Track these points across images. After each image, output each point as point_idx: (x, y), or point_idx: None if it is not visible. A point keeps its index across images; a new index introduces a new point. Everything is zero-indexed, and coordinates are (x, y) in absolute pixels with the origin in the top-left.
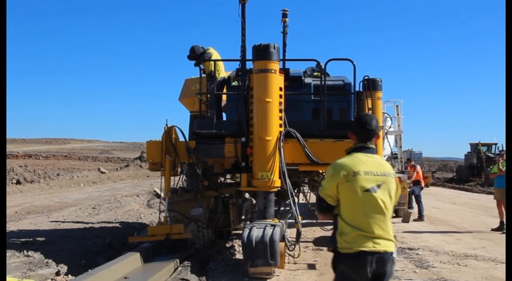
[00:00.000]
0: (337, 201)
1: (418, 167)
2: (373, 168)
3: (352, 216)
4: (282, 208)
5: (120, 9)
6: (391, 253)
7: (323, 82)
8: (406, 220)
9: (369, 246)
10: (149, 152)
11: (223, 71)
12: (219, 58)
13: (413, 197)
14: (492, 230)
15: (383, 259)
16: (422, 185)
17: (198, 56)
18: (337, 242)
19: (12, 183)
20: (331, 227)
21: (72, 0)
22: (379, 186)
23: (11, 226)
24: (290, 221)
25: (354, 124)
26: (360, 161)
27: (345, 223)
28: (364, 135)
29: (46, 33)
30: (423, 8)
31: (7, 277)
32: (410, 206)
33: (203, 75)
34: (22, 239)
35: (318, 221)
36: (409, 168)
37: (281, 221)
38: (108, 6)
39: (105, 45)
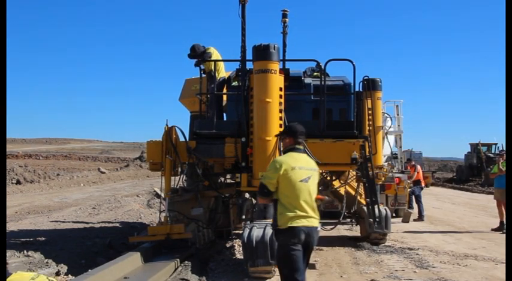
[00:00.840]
0: (275, 188)
1: (419, 167)
2: (304, 164)
3: (290, 200)
4: None
5: (120, 9)
6: (316, 227)
7: (323, 82)
8: (406, 220)
9: (304, 222)
10: (149, 152)
11: (223, 71)
12: (220, 57)
13: (413, 197)
14: (492, 230)
15: (312, 231)
16: (423, 185)
17: (199, 55)
18: (277, 220)
19: (12, 183)
20: (331, 226)
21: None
22: (309, 178)
23: (11, 226)
24: None
25: (287, 131)
26: (295, 159)
27: (284, 206)
28: (296, 140)
29: (46, 33)
30: (423, 7)
31: (20, 271)
32: (410, 206)
33: (203, 75)
34: (22, 239)
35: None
36: (409, 168)
37: None
38: (108, 6)
39: (106, 45)
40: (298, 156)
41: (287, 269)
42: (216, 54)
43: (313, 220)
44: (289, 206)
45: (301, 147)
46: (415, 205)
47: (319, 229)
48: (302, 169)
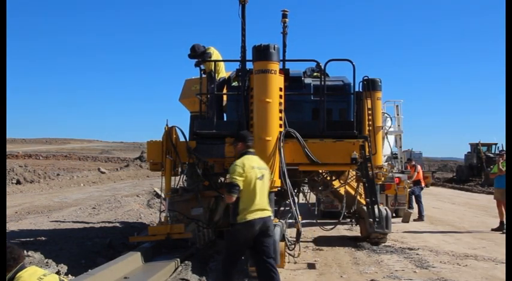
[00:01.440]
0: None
1: (419, 167)
2: (257, 164)
3: (250, 196)
4: (282, 208)
5: (120, 9)
6: (270, 216)
7: (323, 82)
8: (406, 220)
9: (259, 214)
10: (150, 152)
11: (223, 71)
12: (220, 57)
13: (413, 197)
14: (492, 230)
15: (266, 221)
16: (423, 185)
17: (199, 55)
18: (238, 215)
19: (12, 183)
20: (331, 226)
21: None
22: (263, 176)
23: (11, 226)
24: (290, 221)
25: (239, 138)
26: (251, 160)
27: (245, 202)
28: (246, 144)
29: (46, 33)
30: (424, 6)
31: (35, 266)
32: (410, 206)
33: (203, 75)
34: (22, 239)
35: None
36: (409, 168)
37: (281, 220)
38: (108, 6)
39: (106, 45)
40: (252, 158)
41: (232, 251)
42: (216, 54)
43: (267, 212)
44: (249, 202)
45: (252, 150)
46: (415, 205)
47: (272, 217)
48: (256, 168)
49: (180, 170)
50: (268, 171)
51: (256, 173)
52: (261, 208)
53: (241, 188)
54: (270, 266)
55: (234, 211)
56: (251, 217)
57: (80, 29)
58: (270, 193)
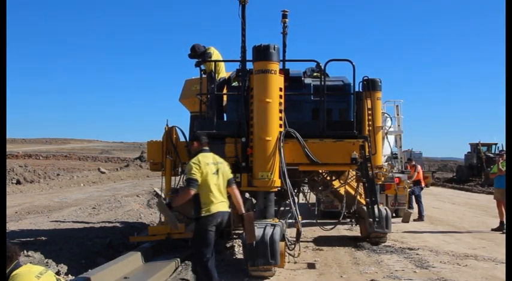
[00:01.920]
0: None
1: (419, 167)
2: (212, 160)
3: (208, 191)
4: (282, 208)
5: (120, 9)
6: (228, 211)
7: (323, 82)
8: (406, 220)
9: (220, 208)
10: (150, 152)
11: (223, 71)
12: (220, 57)
13: (413, 197)
14: (492, 230)
15: (225, 214)
16: (423, 185)
17: (199, 55)
18: (202, 209)
19: (12, 183)
20: (331, 226)
21: (72, 0)
22: (217, 170)
23: (11, 226)
24: (290, 221)
25: (194, 138)
26: (206, 157)
27: (205, 196)
28: (201, 143)
29: (46, 33)
30: (424, 8)
31: (30, 264)
32: (410, 206)
33: (203, 75)
34: (22, 239)
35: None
36: (409, 168)
37: (281, 220)
38: (108, 7)
39: (106, 46)
40: (207, 155)
41: (201, 246)
42: (216, 54)
43: (226, 205)
44: (209, 196)
45: (207, 148)
46: (415, 205)
47: (229, 210)
48: (211, 164)
49: (180, 170)
50: (225, 164)
51: (211, 168)
52: (222, 200)
53: (199, 183)
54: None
55: (196, 205)
56: (215, 209)
57: (80, 30)
58: (269, 193)
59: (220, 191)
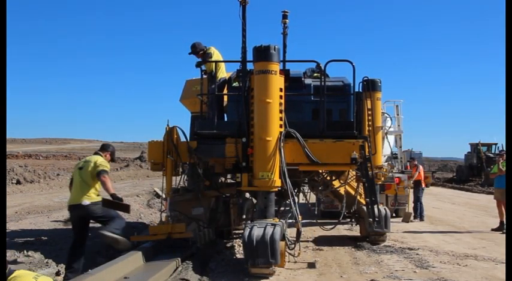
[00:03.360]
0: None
1: (421, 167)
2: (88, 158)
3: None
4: (282, 208)
5: (121, 10)
6: (80, 203)
7: (323, 83)
8: (406, 220)
9: (72, 202)
10: (151, 152)
11: (224, 71)
12: (220, 57)
13: (411, 197)
14: (492, 230)
15: (79, 207)
16: (423, 186)
17: (199, 52)
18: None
19: (12, 183)
20: (331, 226)
21: (72, 1)
22: (82, 167)
23: (11, 226)
24: (290, 221)
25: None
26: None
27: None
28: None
29: (47, 33)
30: (424, 8)
31: (22, 270)
32: (416, 216)
33: (204, 76)
34: (22, 239)
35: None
36: (409, 168)
37: (281, 220)
38: (109, 7)
39: (106, 46)
40: (89, 157)
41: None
42: (216, 54)
43: (78, 199)
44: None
45: (100, 152)
46: (411, 204)
47: (84, 203)
48: (82, 161)
49: (181, 170)
50: (91, 163)
51: (79, 164)
52: (72, 196)
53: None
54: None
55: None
56: (68, 203)
57: (80, 30)
58: (269, 192)
59: (78, 187)
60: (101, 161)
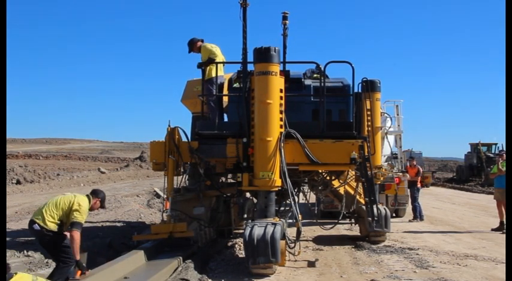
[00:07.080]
0: None
1: (421, 169)
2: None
3: None
4: (283, 207)
5: (121, 10)
6: (35, 223)
7: (322, 84)
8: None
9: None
10: (152, 153)
11: (221, 68)
12: (217, 50)
13: (409, 196)
14: (492, 230)
15: (31, 226)
16: (419, 186)
17: (194, 43)
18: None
19: (12, 183)
20: (331, 226)
21: (73, 1)
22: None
23: (11, 226)
24: (290, 220)
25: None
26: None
27: None
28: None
29: (47, 34)
30: (423, 6)
31: (19, 272)
32: (416, 216)
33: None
34: (22, 239)
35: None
36: (408, 167)
37: (282, 219)
38: (109, 8)
39: (106, 46)
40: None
41: None
42: (210, 47)
43: (36, 216)
44: None
45: (90, 196)
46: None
47: (36, 227)
48: (72, 193)
49: (182, 170)
50: (74, 203)
51: (67, 193)
52: (36, 211)
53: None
54: None
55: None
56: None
57: (80, 30)
58: (270, 192)
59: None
60: (83, 209)
